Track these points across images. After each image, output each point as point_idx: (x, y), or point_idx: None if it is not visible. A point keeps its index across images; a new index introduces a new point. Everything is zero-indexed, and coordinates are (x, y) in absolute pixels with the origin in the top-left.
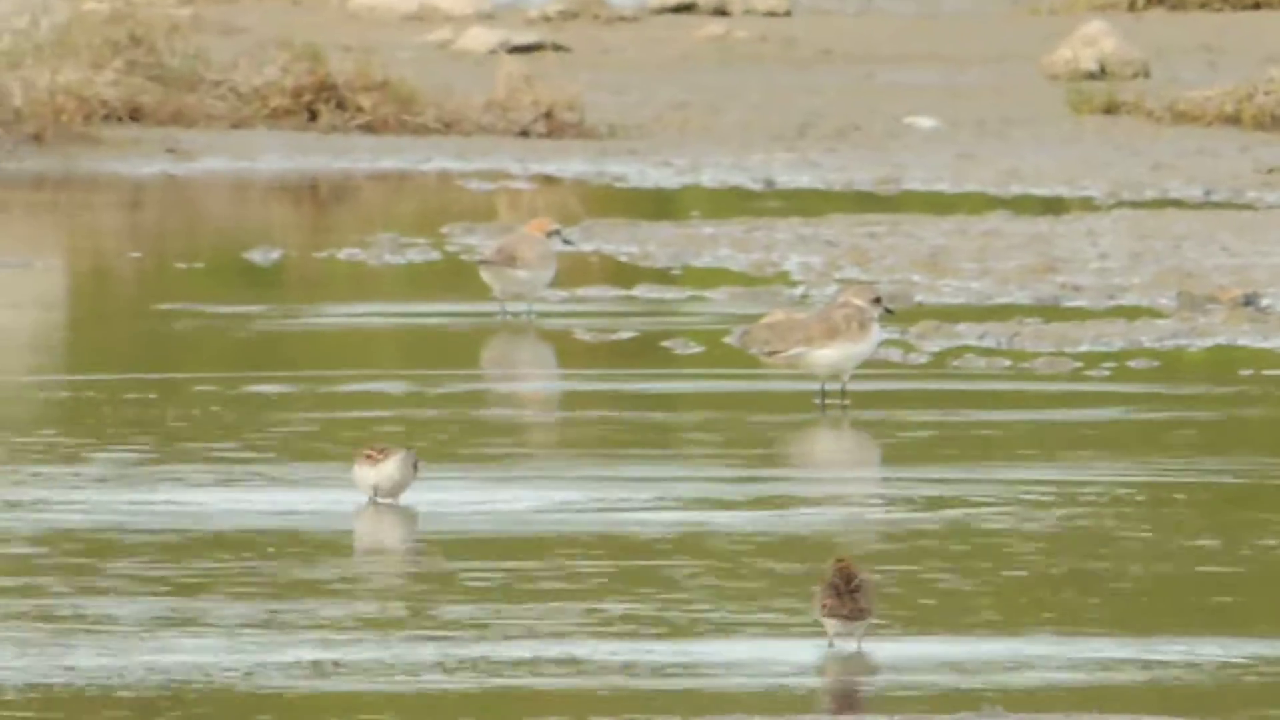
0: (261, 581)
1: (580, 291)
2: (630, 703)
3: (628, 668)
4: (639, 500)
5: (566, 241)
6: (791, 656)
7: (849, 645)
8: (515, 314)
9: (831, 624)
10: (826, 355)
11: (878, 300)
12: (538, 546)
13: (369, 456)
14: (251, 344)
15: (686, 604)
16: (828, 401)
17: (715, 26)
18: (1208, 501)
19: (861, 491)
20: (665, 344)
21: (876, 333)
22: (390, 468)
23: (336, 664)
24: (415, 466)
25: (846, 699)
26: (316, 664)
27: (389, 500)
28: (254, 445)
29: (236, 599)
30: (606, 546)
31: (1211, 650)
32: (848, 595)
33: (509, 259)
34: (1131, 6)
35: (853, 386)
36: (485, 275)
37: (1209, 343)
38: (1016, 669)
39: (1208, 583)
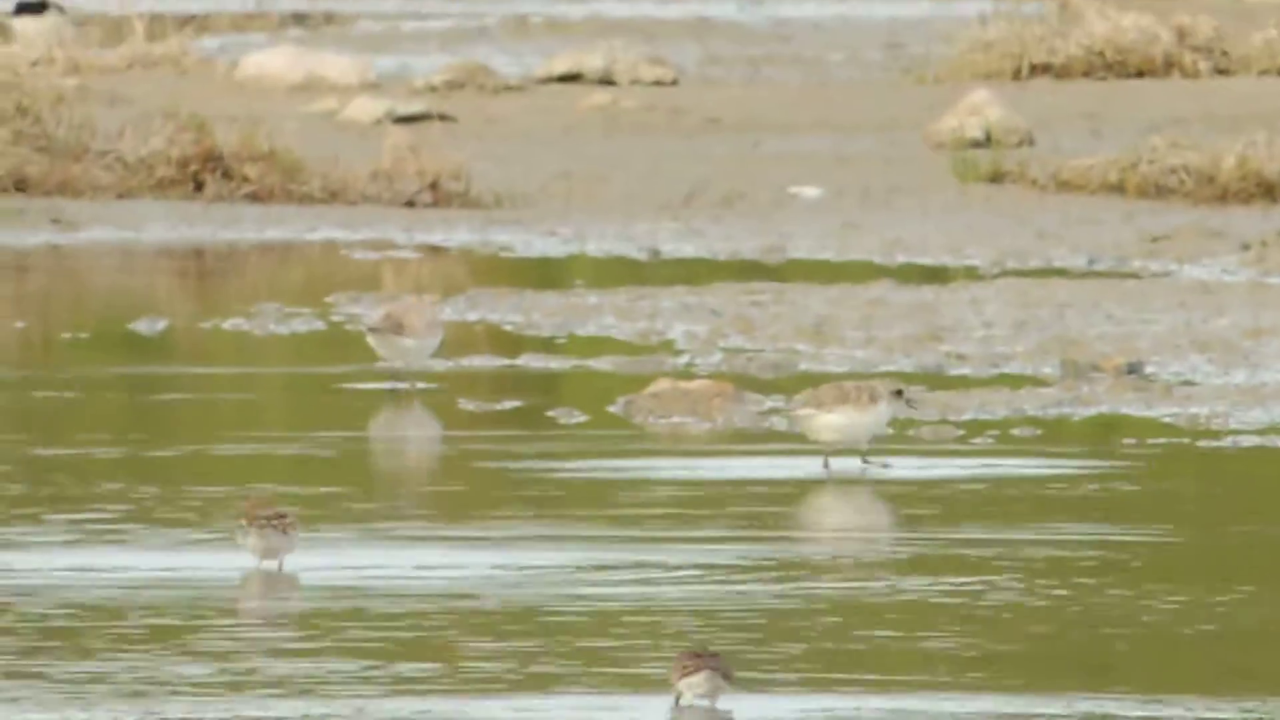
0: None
1: (465, 361)
2: None
3: None
4: (523, 564)
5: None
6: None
7: (704, 703)
8: (401, 382)
9: (696, 681)
10: (831, 420)
11: (899, 392)
12: (414, 610)
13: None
14: (138, 411)
15: (555, 661)
16: (867, 464)
17: (601, 96)
18: (1090, 567)
19: (740, 559)
20: (550, 413)
21: (884, 408)
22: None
23: None
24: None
25: None
26: None
27: (272, 564)
28: (140, 509)
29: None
30: (484, 610)
31: (1091, 708)
32: (708, 655)
33: (396, 326)
34: (1016, 75)
35: (736, 464)
36: (372, 342)
37: (1092, 411)
38: None
39: (1085, 644)
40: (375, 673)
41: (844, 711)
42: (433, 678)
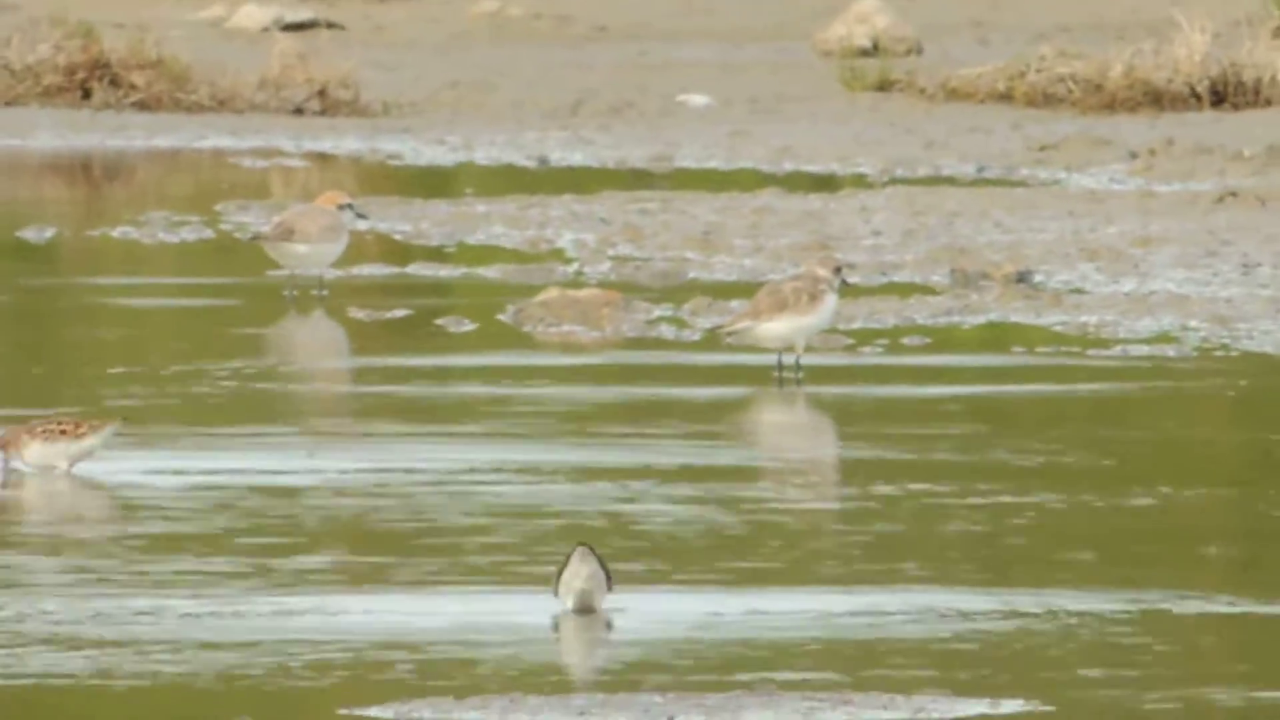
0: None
1: (354, 269)
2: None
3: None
4: (391, 465)
5: (360, 215)
6: (535, 619)
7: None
8: (300, 290)
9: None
10: (773, 328)
11: (838, 270)
12: (295, 511)
13: (64, 431)
14: (23, 318)
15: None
16: (784, 375)
17: (489, 4)
18: (974, 473)
19: (618, 462)
20: (439, 322)
21: (829, 303)
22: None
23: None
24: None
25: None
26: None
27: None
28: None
29: None
30: (347, 506)
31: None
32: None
33: (286, 233)
34: None
35: (623, 359)
36: (268, 251)
37: (982, 319)
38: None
39: (978, 542)
40: (267, 567)
41: (719, 610)
42: (321, 572)
